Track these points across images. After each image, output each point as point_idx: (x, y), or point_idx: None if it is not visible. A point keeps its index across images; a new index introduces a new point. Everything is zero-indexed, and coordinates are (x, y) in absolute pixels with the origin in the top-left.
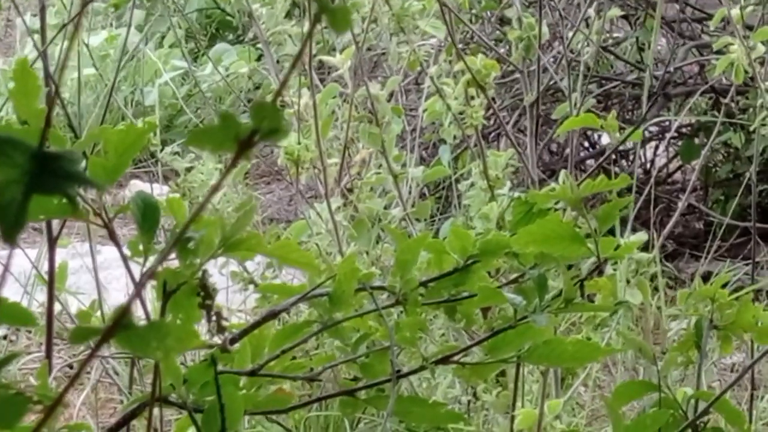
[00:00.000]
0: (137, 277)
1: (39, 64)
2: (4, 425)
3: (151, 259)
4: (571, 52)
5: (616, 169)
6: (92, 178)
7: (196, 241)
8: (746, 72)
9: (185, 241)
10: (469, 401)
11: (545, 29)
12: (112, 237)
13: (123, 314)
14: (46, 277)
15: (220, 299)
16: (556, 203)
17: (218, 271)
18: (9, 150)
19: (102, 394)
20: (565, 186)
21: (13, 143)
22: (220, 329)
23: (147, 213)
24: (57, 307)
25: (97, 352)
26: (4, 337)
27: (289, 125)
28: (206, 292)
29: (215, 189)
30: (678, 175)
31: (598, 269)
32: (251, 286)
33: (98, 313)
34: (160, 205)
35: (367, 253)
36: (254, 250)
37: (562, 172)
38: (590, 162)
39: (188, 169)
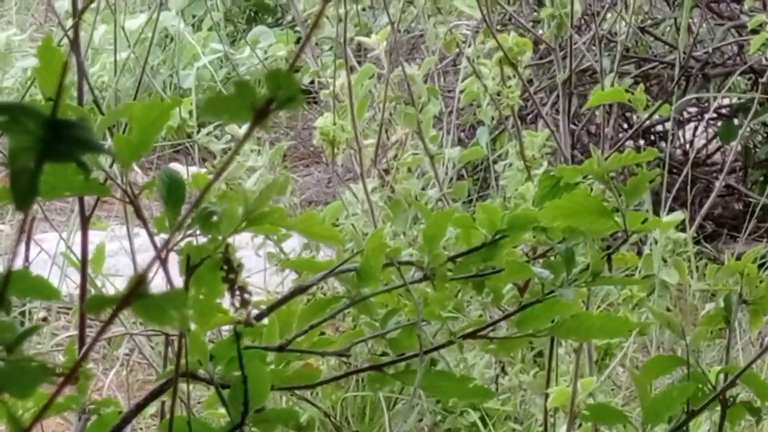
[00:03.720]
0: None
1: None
2: (20, 394)
3: (178, 235)
4: (609, 33)
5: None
6: (102, 145)
7: (219, 215)
8: None
9: (208, 215)
10: (497, 376)
11: (577, 7)
12: (139, 214)
13: (139, 283)
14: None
15: (257, 281)
16: (585, 178)
17: (255, 253)
18: (22, 118)
19: (140, 375)
20: (592, 160)
21: (26, 111)
22: (244, 303)
23: (172, 189)
24: (93, 289)
25: (114, 320)
26: (44, 319)
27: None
28: (230, 266)
29: (234, 154)
30: (717, 157)
31: (625, 242)
32: (288, 268)
33: None
34: (185, 181)
35: (404, 233)
36: (278, 223)
37: (592, 148)
38: (629, 144)
39: (224, 151)
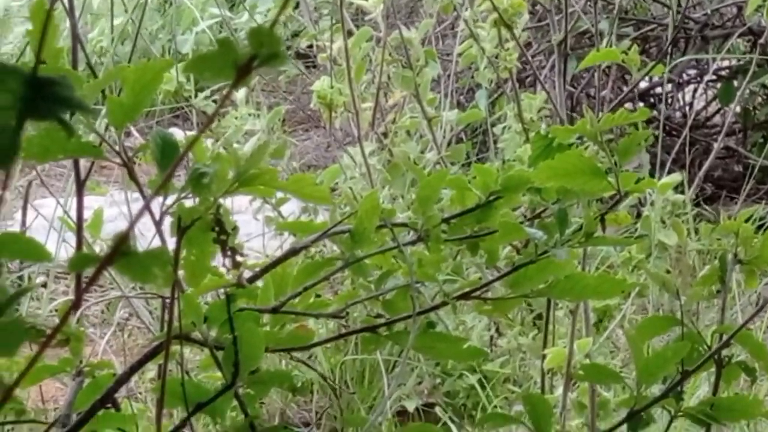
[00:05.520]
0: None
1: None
2: (4, 352)
3: (172, 197)
4: None
5: (654, 112)
6: (84, 102)
7: (210, 177)
8: None
9: (199, 176)
10: (491, 337)
11: None
12: (132, 176)
13: (122, 241)
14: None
15: (256, 245)
16: (581, 139)
17: (253, 217)
18: (3, 76)
19: (140, 340)
20: (585, 120)
21: (7, 70)
22: (235, 265)
23: (166, 151)
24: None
25: (98, 278)
26: (43, 285)
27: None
28: (221, 227)
29: (219, 108)
30: (717, 119)
31: (619, 203)
32: (287, 232)
33: None
34: (179, 143)
35: (402, 196)
36: (269, 185)
37: (585, 108)
38: (628, 106)
39: (222, 115)
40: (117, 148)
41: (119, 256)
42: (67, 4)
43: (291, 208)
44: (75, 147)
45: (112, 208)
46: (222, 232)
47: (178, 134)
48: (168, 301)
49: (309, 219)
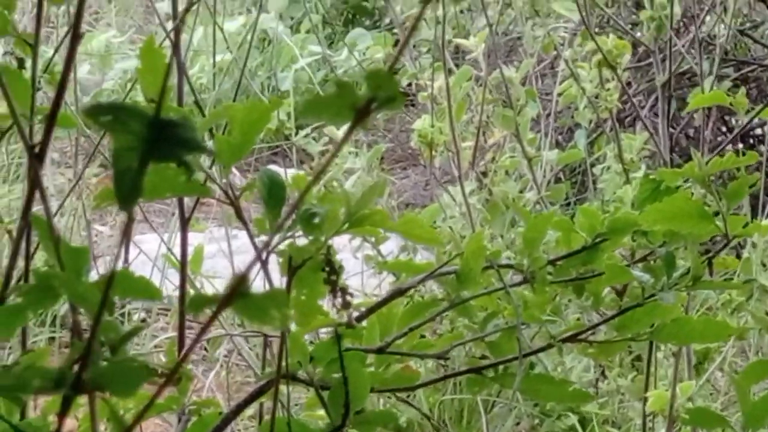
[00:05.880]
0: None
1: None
2: (123, 393)
3: (278, 236)
4: (708, 35)
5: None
6: (205, 145)
7: (321, 217)
8: None
9: (310, 217)
10: (596, 380)
11: (677, 9)
12: (239, 215)
13: (241, 282)
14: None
15: (354, 283)
16: (686, 182)
17: (353, 255)
18: (125, 117)
19: (238, 377)
20: (693, 163)
21: (130, 111)
22: (345, 305)
23: (273, 190)
24: (192, 290)
25: (215, 320)
26: (143, 320)
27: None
28: (331, 267)
29: (334, 155)
30: None
31: (726, 246)
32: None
33: None
34: (286, 183)
35: (502, 236)
36: (379, 225)
37: (693, 151)
38: (729, 147)
39: (322, 153)
40: (223, 185)
41: (237, 298)
42: (173, 42)
43: (390, 247)
44: (184, 185)
45: (211, 244)
46: (332, 272)
47: (277, 171)
48: (269, 339)
49: (408, 258)
